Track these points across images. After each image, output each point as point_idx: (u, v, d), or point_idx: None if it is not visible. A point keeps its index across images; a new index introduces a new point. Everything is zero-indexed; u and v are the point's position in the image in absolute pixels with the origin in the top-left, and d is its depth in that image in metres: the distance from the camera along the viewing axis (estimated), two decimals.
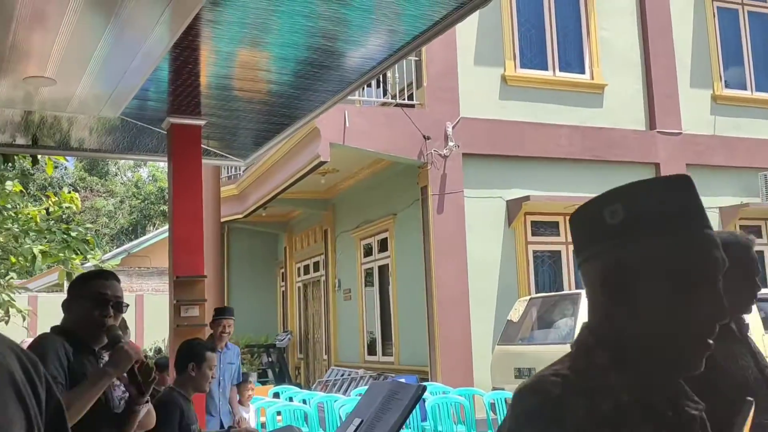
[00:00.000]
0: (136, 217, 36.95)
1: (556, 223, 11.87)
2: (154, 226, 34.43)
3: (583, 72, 12.47)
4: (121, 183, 39.29)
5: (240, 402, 7.21)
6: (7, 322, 8.24)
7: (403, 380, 10.27)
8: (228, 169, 15.76)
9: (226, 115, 5.88)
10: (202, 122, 5.74)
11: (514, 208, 11.41)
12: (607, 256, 1.18)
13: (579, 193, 11.57)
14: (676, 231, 1.15)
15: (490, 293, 11.07)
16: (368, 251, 13.46)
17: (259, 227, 17.23)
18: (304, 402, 8.45)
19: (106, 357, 2.96)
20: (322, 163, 10.85)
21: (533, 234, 11.68)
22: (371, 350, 13.29)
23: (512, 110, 11.70)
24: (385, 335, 12.86)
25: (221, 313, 6.50)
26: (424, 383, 3.34)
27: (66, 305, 2.83)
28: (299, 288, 17.05)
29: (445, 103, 11.23)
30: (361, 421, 3.31)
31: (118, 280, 2.92)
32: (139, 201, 37.34)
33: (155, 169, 38.64)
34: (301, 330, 16.85)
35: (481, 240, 11.12)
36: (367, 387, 9.99)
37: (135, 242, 25.04)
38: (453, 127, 11.03)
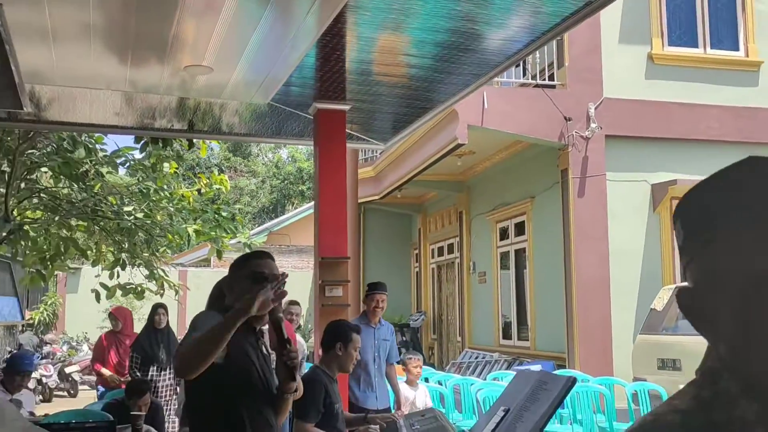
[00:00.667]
0: (276, 196, 38.29)
1: None
2: (292, 205, 35.56)
3: (736, 49, 11.72)
4: (263, 163, 40.81)
5: (408, 381, 6.91)
6: (161, 296, 8.77)
7: (539, 367, 10.16)
8: (365, 151, 16.01)
9: (370, 100, 5.97)
10: (346, 107, 5.84)
11: (659, 192, 10.94)
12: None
13: None
14: None
15: (632, 281, 10.69)
16: (504, 234, 13.32)
17: (394, 208, 17.42)
18: (440, 383, 8.51)
19: (265, 338, 3.09)
20: (459, 146, 10.81)
21: None
22: (506, 334, 13.18)
23: (659, 90, 11.18)
24: (521, 319, 12.72)
25: (375, 287, 6.27)
26: (572, 375, 3.26)
27: (228, 286, 2.95)
28: (433, 269, 17.13)
29: (588, 84, 10.88)
30: (508, 410, 3.29)
31: (273, 259, 3.01)
32: (279, 181, 38.67)
33: (294, 150, 39.86)
34: (435, 311, 16.94)
35: (623, 225, 10.75)
36: (501, 371, 9.96)
37: (276, 221, 25.94)
38: (596, 108, 10.68)
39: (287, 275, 2.71)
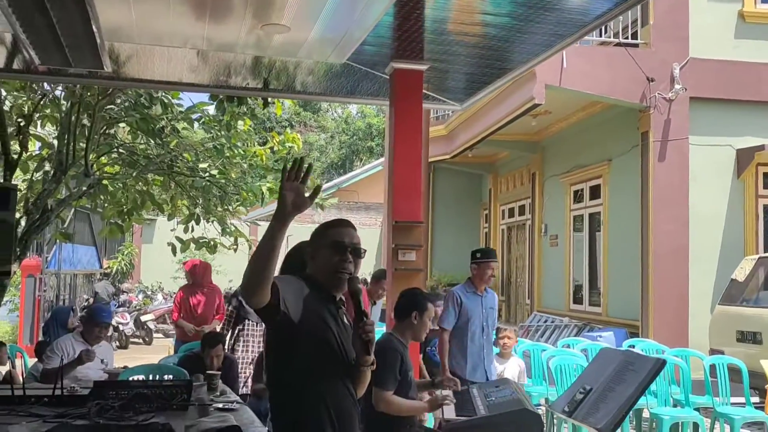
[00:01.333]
0: (345, 152, 38.37)
1: None
2: (361, 161, 35.60)
3: None
4: (332, 119, 40.86)
5: (500, 354, 6.52)
6: (235, 251, 8.87)
7: (611, 333, 9.91)
8: (436, 109, 15.79)
9: (448, 60, 5.80)
10: (424, 67, 5.70)
11: (745, 157, 10.46)
12: None
13: None
14: None
15: (712, 249, 10.31)
16: (578, 197, 13.01)
17: (465, 168, 17.19)
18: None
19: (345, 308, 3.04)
20: (535, 106, 10.52)
21: (765, 187, 10.67)
22: (576, 299, 12.96)
23: (749, 50, 10.61)
24: (592, 284, 12.47)
25: (488, 255, 5.88)
26: (661, 357, 3.12)
27: (309, 254, 2.89)
28: (503, 230, 16.92)
29: (673, 43, 10.40)
30: (590, 389, 3.19)
31: (354, 228, 2.95)
32: (347, 137, 38.70)
33: (364, 106, 39.74)
34: (504, 273, 16.77)
35: (705, 191, 10.33)
36: (572, 338, 9.78)
37: (344, 177, 26.02)
38: (680, 69, 10.22)
39: (308, 163, 2.55)
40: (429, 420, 4.98)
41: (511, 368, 6.41)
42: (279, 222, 2.43)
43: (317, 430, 2.67)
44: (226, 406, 3.70)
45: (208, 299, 8.00)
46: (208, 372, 4.51)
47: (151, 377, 5.38)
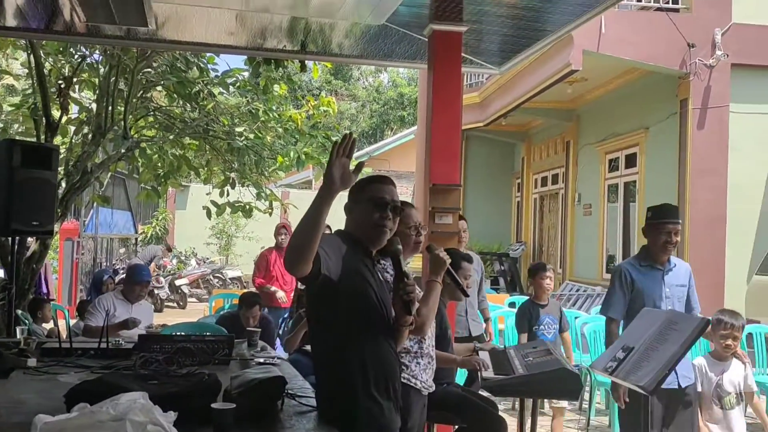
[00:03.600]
0: (376, 121, 38.28)
1: None
2: (392, 130, 35.49)
3: None
4: (363, 88, 40.71)
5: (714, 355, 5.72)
6: (270, 214, 8.94)
7: None
8: (470, 76, 15.64)
9: (486, 22, 5.73)
10: (463, 29, 5.64)
11: None
12: None
13: None
14: None
15: (750, 219, 10.16)
16: (614, 166, 12.86)
17: (498, 136, 17.06)
18: None
19: (383, 263, 3.08)
20: (572, 72, 10.38)
21: None
22: (609, 268, 12.87)
23: None
24: (626, 254, 12.35)
25: (659, 214, 4.40)
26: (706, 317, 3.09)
27: (348, 209, 2.92)
28: (535, 200, 16.81)
29: (715, 7, 10.16)
30: (632, 348, 3.18)
31: (395, 185, 2.96)
32: (379, 106, 38.56)
33: (395, 75, 39.52)
34: (535, 242, 16.70)
35: (745, 160, 10.15)
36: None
37: (375, 146, 25.98)
38: (722, 34, 9.99)
39: (353, 137, 2.58)
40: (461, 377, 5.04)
41: (736, 373, 4.63)
42: (326, 196, 2.44)
43: (362, 383, 2.71)
44: (267, 361, 3.76)
45: None
46: (247, 329, 4.58)
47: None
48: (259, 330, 4.50)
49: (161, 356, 3.67)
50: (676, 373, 4.12)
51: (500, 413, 4.11)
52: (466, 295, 3.35)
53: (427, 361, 3.34)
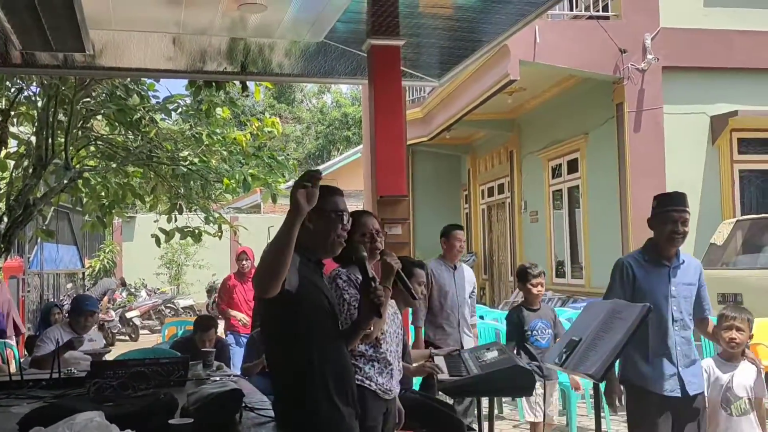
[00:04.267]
0: (322, 142, 38.34)
1: (767, 141, 10.96)
2: (338, 150, 35.59)
3: None
4: (307, 109, 40.77)
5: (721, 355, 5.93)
6: (220, 238, 8.89)
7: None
8: (412, 91, 15.84)
9: (424, 34, 5.86)
10: (400, 42, 5.75)
11: (719, 124, 10.62)
12: None
13: None
14: None
15: (690, 216, 10.44)
16: (557, 172, 13.14)
17: (443, 150, 17.27)
18: (497, 320, 8.51)
19: (341, 271, 3.13)
20: (511, 82, 10.59)
21: (740, 152, 10.84)
22: (559, 273, 13.11)
23: (718, 18, 10.75)
24: (574, 258, 12.62)
25: (666, 202, 4.25)
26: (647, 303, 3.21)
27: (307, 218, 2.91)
28: (483, 210, 17.04)
29: (644, 13, 10.51)
30: (579, 339, 3.28)
31: (342, 194, 3.01)
32: (324, 127, 38.65)
33: (339, 95, 39.69)
34: (486, 252, 16.91)
35: (681, 159, 10.48)
36: (556, 308, 9.90)
37: (322, 166, 26.00)
38: (652, 39, 10.33)
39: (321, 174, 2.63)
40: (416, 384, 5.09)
41: (747, 376, 4.21)
42: (294, 220, 2.49)
43: (323, 391, 2.73)
44: (224, 379, 3.75)
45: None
46: (202, 350, 4.55)
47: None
48: (214, 350, 4.49)
49: (115, 382, 3.64)
50: (682, 380, 3.75)
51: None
52: (414, 298, 3.41)
53: (384, 365, 3.37)
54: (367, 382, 3.36)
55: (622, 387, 3.81)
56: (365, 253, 2.96)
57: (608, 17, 10.68)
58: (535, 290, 5.52)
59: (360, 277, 2.99)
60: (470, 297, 6.28)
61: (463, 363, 4.06)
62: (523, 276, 5.60)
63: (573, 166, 12.45)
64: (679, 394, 3.74)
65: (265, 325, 2.90)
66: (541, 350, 5.09)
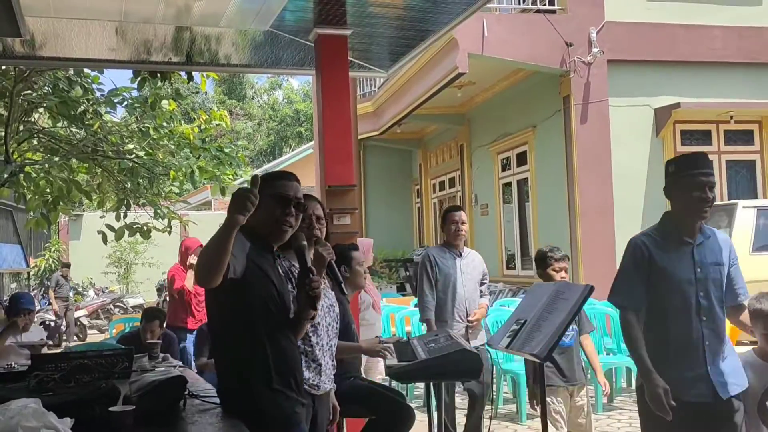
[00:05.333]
0: (273, 138, 38.09)
1: (708, 132, 11.25)
2: (290, 147, 35.40)
3: None
4: (258, 106, 40.45)
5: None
6: (169, 233, 8.75)
7: None
8: (363, 85, 15.84)
9: (371, 24, 5.83)
10: (347, 32, 5.72)
11: (662, 116, 10.86)
12: None
13: (734, 99, 10.87)
14: None
15: (636, 205, 10.68)
16: (506, 165, 13.27)
17: (394, 144, 17.32)
18: None
19: (290, 261, 3.08)
20: (460, 75, 10.66)
21: (683, 143, 11.11)
22: (509, 264, 13.25)
23: (661, 12, 11.00)
24: (524, 250, 12.77)
25: (685, 165, 3.41)
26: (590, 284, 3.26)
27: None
28: (435, 204, 17.13)
29: (589, 7, 10.69)
30: (524, 321, 3.31)
31: (299, 182, 2.98)
32: (275, 123, 38.41)
33: (290, 92, 39.47)
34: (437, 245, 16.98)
35: (626, 150, 10.69)
36: (507, 299, 10.01)
37: (274, 163, 25.85)
38: (597, 33, 10.51)
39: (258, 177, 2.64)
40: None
41: None
42: (232, 221, 2.48)
43: (266, 376, 2.72)
44: (168, 369, 3.69)
45: None
46: (148, 342, 4.48)
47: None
48: (160, 342, 4.42)
49: (57, 375, 3.55)
50: (711, 382, 3.12)
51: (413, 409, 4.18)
52: (343, 293, 3.35)
53: (311, 358, 3.22)
54: None
55: (660, 390, 3.04)
56: (305, 242, 2.92)
57: (555, 11, 10.82)
58: (558, 276, 4.67)
59: (297, 266, 2.95)
60: (481, 285, 5.71)
61: (411, 349, 4.07)
62: (542, 261, 4.78)
63: (522, 159, 12.59)
64: (710, 399, 3.11)
65: (212, 311, 2.87)
66: (564, 349, 4.42)
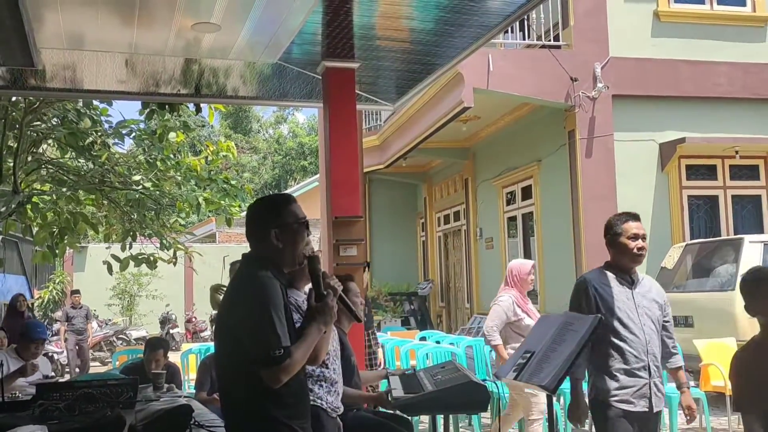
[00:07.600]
0: (279, 172, 38.24)
1: (714, 167, 11.25)
2: (295, 180, 35.52)
3: (743, 4, 11.60)
4: (264, 139, 40.69)
5: None
6: (174, 264, 8.75)
7: None
8: (369, 119, 15.94)
9: (378, 57, 5.91)
10: (355, 65, 5.79)
11: (667, 151, 10.88)
12: None
13: (739, 134, 10.90)
14: None
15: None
16: (511, 199, 13.28)
17: (399, 178, 17.37)
18: (453, 344, 8.52)
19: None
20: (465, 109, 10.71)
21: (688, 178, 11.11)
22: None
23: (665, 48, 11.08)
24: None
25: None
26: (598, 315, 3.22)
27: (274, 235, 2.70)
28: (440, 237, 17.12)
29: (594, 43, 10.77)
30: (532, 353, 3.29)
31: (296, 201, 2.93)
32: (280, 156, 38.59)
33: (295, 126, 39.74)
34: (442, 279, 16.95)
35: (632, 185, 10.69)
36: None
37: None
38: (602, 68, 10.58)
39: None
40: None
41: None
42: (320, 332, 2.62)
43: (279, 409, 2.64)
44: (174, 399, 3.68)
45: None
46: (153, 372, 4.46)
47: None
48: (164, 372, 4.39)
49: (62, 404, 3.54)
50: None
51: None
52: (359, 321, 3.26)
53: (330, 383, 3.30)
54: (319, 401, 3.31)
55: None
56: (320, 265, 2.86)
57: (560, 46, 10.91)
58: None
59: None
60: (665, 322, 3.98)
61: (418, 381, 4.04)
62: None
63: (527, 193, 12.60)
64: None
65: (222, 346, 2.76)
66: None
